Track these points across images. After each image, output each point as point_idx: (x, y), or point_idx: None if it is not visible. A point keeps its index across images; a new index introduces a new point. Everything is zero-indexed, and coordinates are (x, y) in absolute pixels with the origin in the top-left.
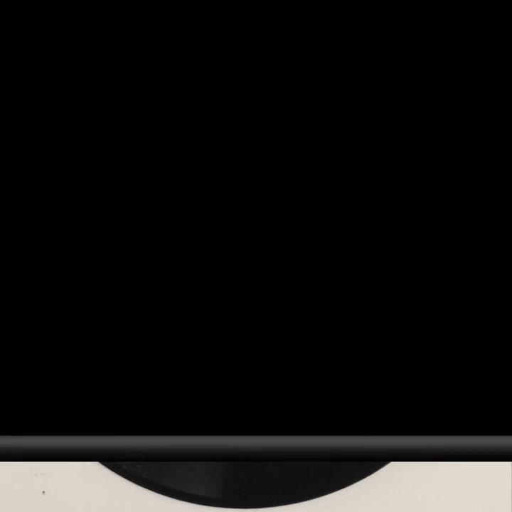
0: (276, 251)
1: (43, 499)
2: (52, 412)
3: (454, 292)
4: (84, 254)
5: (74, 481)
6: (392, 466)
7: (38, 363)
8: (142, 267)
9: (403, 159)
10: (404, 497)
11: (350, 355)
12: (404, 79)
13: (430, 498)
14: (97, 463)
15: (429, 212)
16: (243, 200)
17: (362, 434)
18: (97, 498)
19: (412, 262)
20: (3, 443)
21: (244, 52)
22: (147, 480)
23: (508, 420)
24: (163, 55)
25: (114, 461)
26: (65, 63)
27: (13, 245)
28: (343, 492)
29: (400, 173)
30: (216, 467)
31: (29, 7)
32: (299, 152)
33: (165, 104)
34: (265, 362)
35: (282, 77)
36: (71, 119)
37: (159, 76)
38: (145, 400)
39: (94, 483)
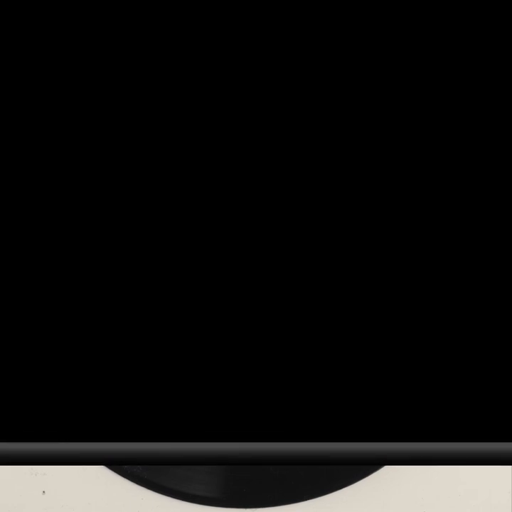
0: (277, 252)
1: (43, 499)
2: (52, 418)
3: (449, 299)
4: (80, 263)
5: (74, 481)
6: (392, 466)
7: (39, 372)
8: (138, 280)
9: (402, 159)
10: (404, 497)
11: (350, 364)
12: (404, 80)
13: (430, 498)
14: None
15: (428, 212)
16: (243, 200)
17: (365, 440)
18: (97, 498)
19: (412, 267)
20: (6, 448)
21: (244, 53)
22: (147, 480)
23: (505, 426)
24: (163, 55)
25: (116, 464)
26: (64, 64)
27: (12, 248)
28: (343, 492)
29: (399, 173)
30: (216, 467)
31: (29, 7)
32: (298, 153)
33: (165, 105)
34: (264, 372)
35: (282, 77)
36: (70, 120)
37: (159, 76)
38: (146, 408)
39: (94, 483)
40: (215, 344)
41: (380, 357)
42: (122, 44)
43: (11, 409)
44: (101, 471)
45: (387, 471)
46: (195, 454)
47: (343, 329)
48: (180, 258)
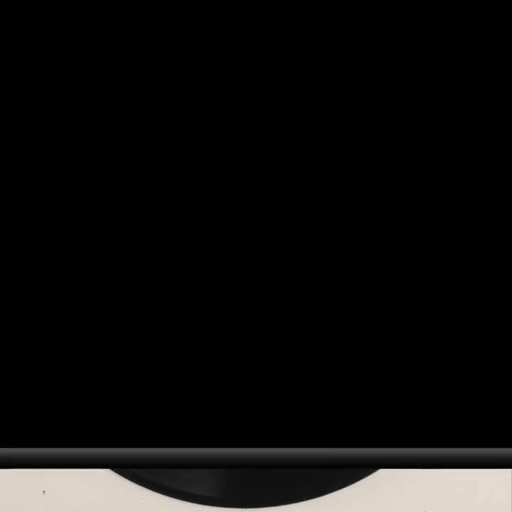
0: (279, 252)
1: (43, 499)
2: (54, 424)
3: (449, 304)
4: (81, 267)
5: (74, 481)
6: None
7: (41, 379)
8: (135, 287)
9: (402, 160)
10: (404, 497)
11: (351, 367)
12: (404, 80)
13: (430, 498)
14: None
15: (428, 213)
16: (243, 201)
17: (366, 445)
18: (97, 498)
19: (411, 272)
20: (8, 452)
21: (244, 53)
22: (147, 480)
23: (502, 432)
24: (163, 55)
25: (116, 467)
26: (64, 64)
27: (12, 250)
28: (343, 492)
29: (398, 174)
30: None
31: (29, 7)
32: (297, 153)
33: (165, 105)
34: (264, 376)
35: (281, 78)
36: (71, 120)
37: (159, 77)
38: (147, 409)
39: (94, 483)
40: (216, 350)
41: (382, 364)
42: (122, 45)
43: (13, 415)
44: (101, 471)
45: (387, 471)
46: (195, 458)
47: (343, 335)
48: (179, 260)
